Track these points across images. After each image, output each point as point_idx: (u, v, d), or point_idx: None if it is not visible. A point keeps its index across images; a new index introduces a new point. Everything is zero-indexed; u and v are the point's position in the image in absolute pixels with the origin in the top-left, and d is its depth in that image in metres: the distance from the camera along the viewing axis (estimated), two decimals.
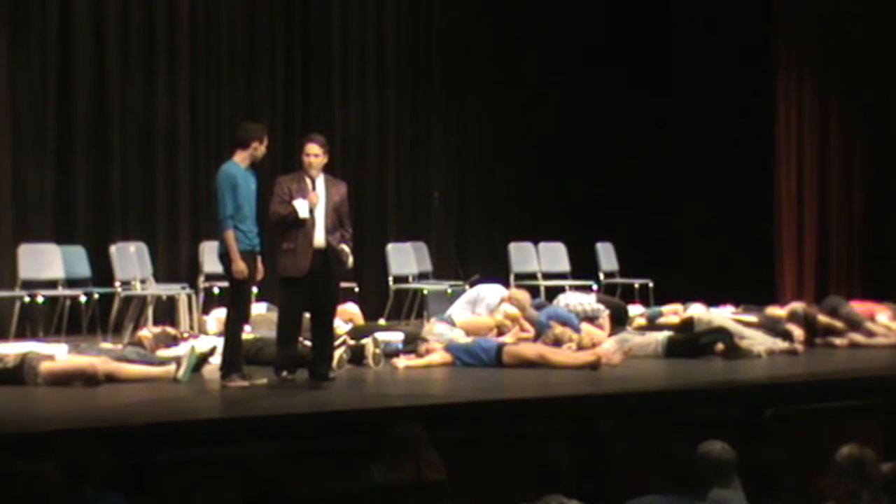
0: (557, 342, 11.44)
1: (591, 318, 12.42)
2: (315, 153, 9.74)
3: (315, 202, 9.61)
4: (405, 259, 15.11)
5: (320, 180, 9.76)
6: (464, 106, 16.63)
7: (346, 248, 9.78)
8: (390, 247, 15.11)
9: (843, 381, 10.45)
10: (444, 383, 10.39)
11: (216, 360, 10.06)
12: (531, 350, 11.16)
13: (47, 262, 12.76)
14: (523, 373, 10.59)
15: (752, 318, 12.89)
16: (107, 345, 11.03)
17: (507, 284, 14.33)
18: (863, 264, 16.64)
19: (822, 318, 12.89)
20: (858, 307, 13.44)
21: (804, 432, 8.94)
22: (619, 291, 15.62)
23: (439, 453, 6.94)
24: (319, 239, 9.65)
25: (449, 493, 6.77)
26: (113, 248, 13.07)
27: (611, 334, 12.13)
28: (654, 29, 17.34)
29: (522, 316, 12.17)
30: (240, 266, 9.42)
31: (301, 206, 9.57)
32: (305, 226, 9.59)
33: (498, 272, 14.98)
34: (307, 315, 9.96)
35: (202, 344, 10.67)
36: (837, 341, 12.75)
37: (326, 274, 9.69)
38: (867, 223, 16.64)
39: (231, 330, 9.63)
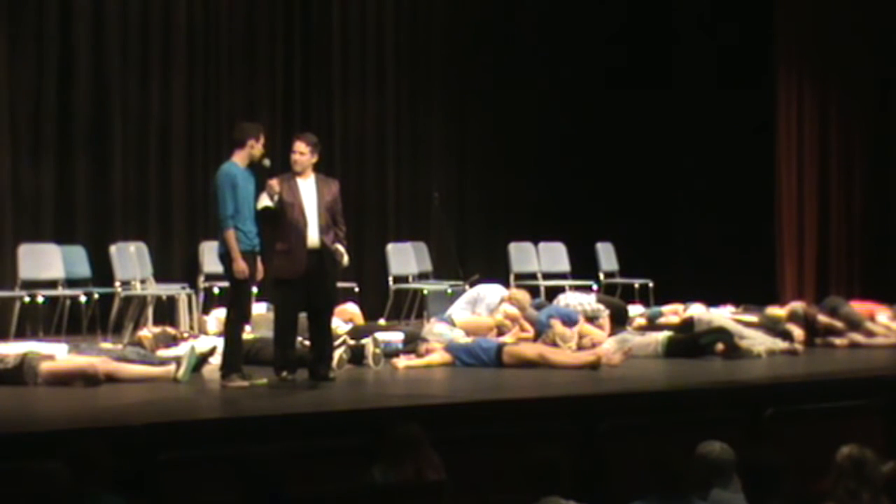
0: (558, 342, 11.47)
1: (591, 318, 12.41)
2: (301, 151, 9.72)
3: (275, 188, 9.57)
4: (405, 259, 15.11)
5: (311, 179, 9.73)
6: (464, 106, 16.62)
7: (339, 247, 9.77)
8: (390, 247, 15.11)
9: (843, 381, 10.45)
10: (444, 383, 10.39)
11: (216, 360, 10.07)
12: (531, 350, 11.16)
13: (47, 262, 12.76)
14: (523, 373, 10.59)
15: (752, 318, 12.88)
16: (107, 345, 11.04)
17: (507, 284, 14.33)
18: (863, 264, 16.64)
19: (822, 318, 12.89)
20: (858, 307, 13.44)
21: (804, 432, 8.93)
22: (619, 291, 15.62)
23: (439, 453, 6.95)
24: (313, 239, 9.63)
25: (449, 493, 6.77)
26: (113, 248, 13.07)
27: (611, 334, 12.12)
28: (655, 28, 17.35)
29: (522, 316, 12.16)
30: (241, 266, 9.42)
31: (261, 199, 9.56)
32: (298, 226, 9.57)
33: (498, 272, 14.99)
34: (305, 315, 9.97)
35: (202, 344, 10.67)
36: (837, 341, 12.74)
37: (322, 274, 9.68)
38: (867, 223, 16.64)
39: (231, 330, 9.63)
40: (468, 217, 16.54)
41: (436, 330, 11.85)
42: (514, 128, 16.66)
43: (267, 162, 9.71)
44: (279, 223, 9.65)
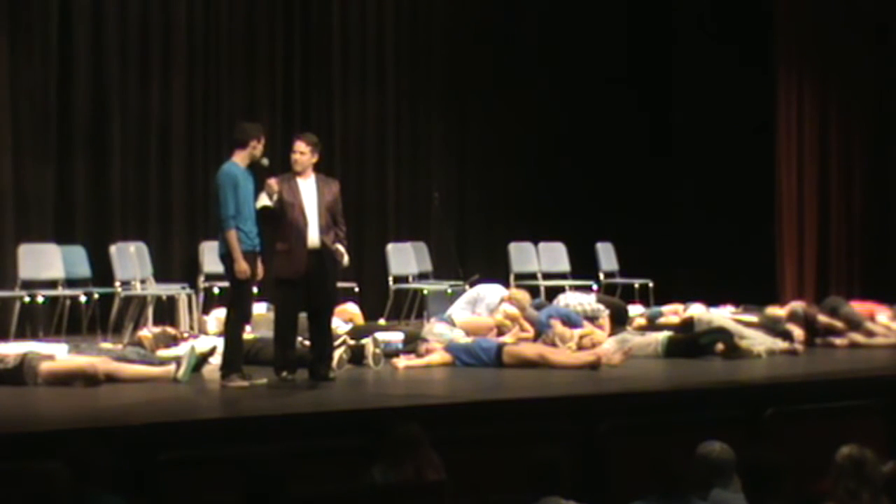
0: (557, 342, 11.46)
1: (592, 318, 12.42)
2: (301, 150, 9.72)
3: (274, 188, 9.58)
4: (405, 259, 15.11)
5: (311, 179, 9.74)
6: (464, 106, 16.62)
7: (340, 247, 9.77)
8: (390, 247, 15.11)
9: (843, 381, 10.44)
10: (444, 383, 10.38)
11: (216, 360, 10.07)
12: (531, 350, 11.16)
13: (47, 262, 12.76)
14: (523, 373, 10.59)
15: (752, 318, 12.88)
16: (107, 345, 11.03)
17: (507, 284, 14.33)
18: (863, 264, 16.64)
19: (822, 318, 12.88)
20: (858, 307, 13.43)
21: (804, 432, 8.93)
22: (619, 291, 15.62)
23: (439, 453, 6.95)
24: (314, 239, 9.63)
25: (449, 493, 6.77)
26: (113, 248, 13.07)
27: (611, 334, 12.13)
28: (655, 29, 17.35)
29: (522, 316, 12.17)
30: (242, 266, 9.41)
31: (260, 198, 9.57)
32: (298, 226, 9.57)
33: (498, 272, 14.99)
34: (305, 315, 9.96)
35: (202, 344, 10.67)
36: (837, 341, 12.74)
37: (322, 274, 9.68)
38: (867, 223, 16.64)
39: (232, 330, 9.63)
40: (468, 217, 16.54)
41: (436, 330, 11.85)
42: (514, 128, 16.66)
43: (265, 161, 9.71)
44: (279, 223, 9.65)
